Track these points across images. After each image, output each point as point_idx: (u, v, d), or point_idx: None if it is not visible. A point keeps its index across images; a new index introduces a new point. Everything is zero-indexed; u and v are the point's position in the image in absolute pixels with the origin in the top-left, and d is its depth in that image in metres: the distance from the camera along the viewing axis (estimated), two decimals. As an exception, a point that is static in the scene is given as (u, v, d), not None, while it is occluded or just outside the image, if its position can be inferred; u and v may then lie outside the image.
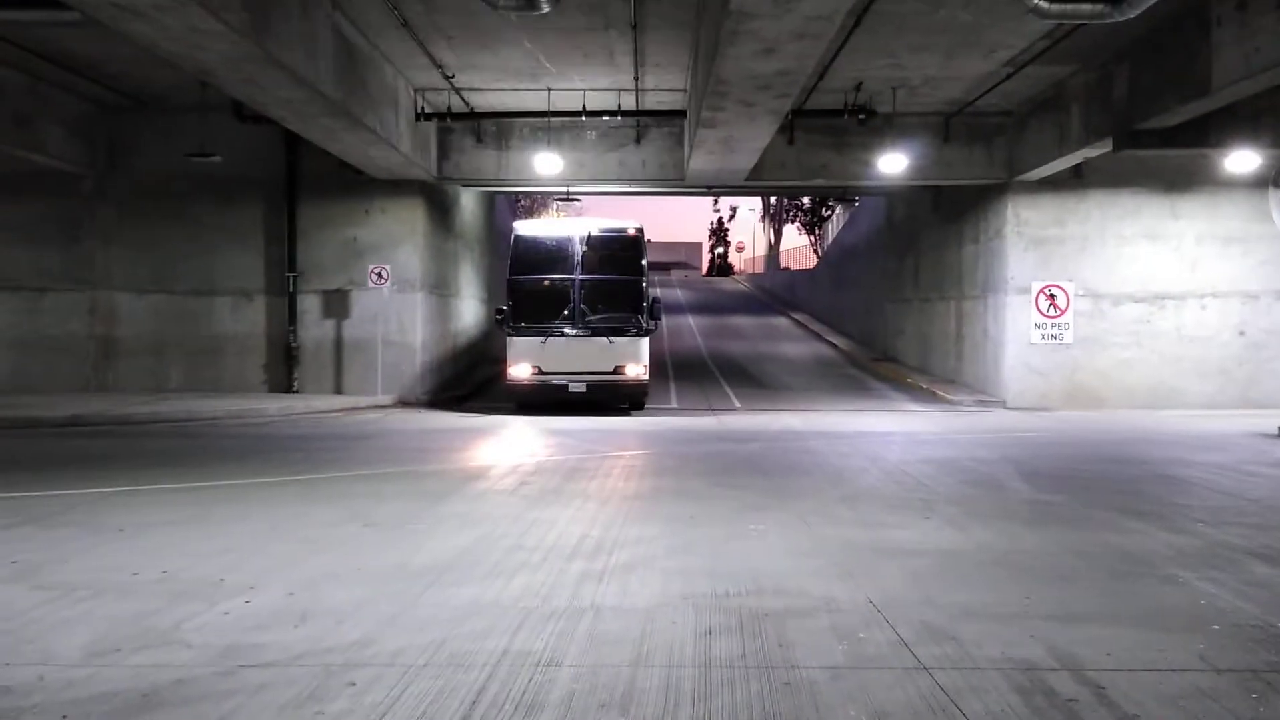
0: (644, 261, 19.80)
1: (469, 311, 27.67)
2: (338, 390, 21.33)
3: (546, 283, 19.50)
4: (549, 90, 19.13)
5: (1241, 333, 21.05)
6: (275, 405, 19.07)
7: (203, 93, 17.74)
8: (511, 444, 14.86)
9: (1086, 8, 11.48)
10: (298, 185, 21.26)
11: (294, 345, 21.24)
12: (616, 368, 18.94)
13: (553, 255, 19.64)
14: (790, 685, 5.00)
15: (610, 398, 19.41)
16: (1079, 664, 5.29)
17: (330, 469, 12.15)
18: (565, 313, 19.24)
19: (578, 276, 19.47)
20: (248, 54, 12.38)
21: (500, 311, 19.34)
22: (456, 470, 12.15)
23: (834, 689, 4.96)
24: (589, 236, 19.61)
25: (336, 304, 21.43)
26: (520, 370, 19.00)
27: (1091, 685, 5.00)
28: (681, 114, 19.87)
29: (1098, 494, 10.66)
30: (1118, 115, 16.38)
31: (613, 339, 19.00)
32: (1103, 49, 16.23)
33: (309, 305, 21.44)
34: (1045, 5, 11.33)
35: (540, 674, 5.14)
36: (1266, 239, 20.43)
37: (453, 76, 18.37)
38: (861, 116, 19.09)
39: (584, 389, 18.84)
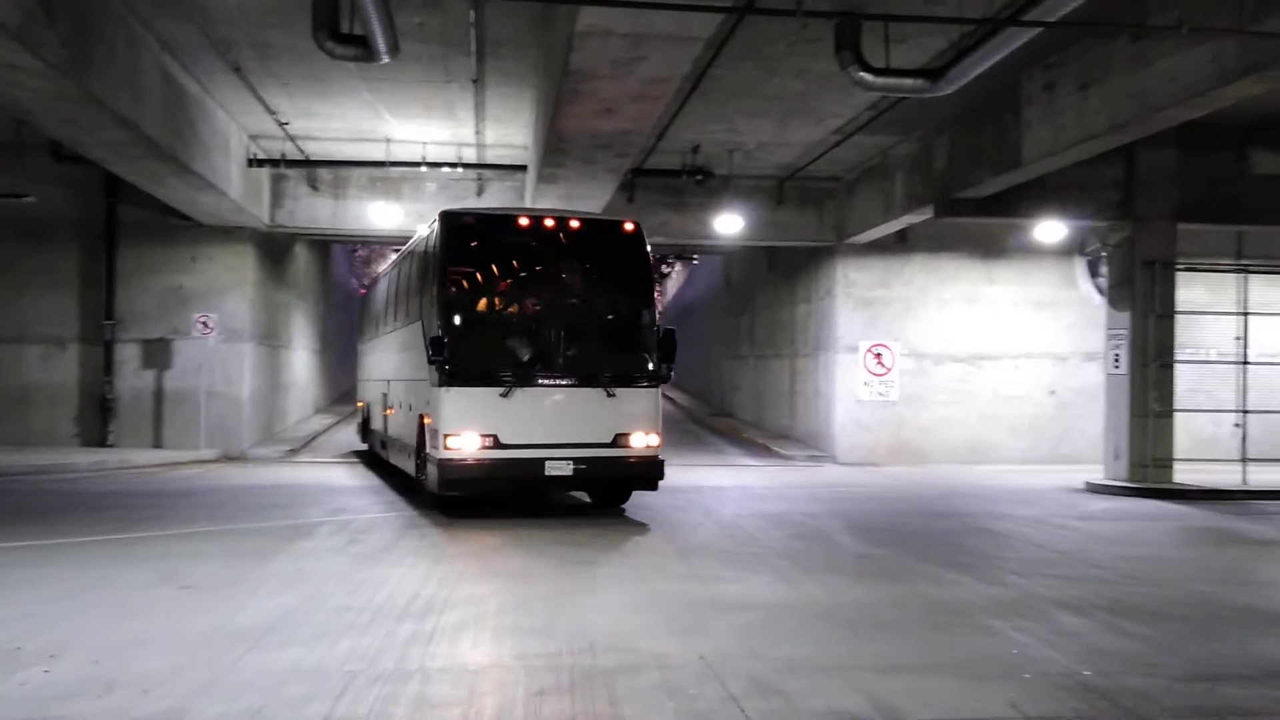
0: (651, 273, 13.89)
1: (301, 363, 26.90)
2: (157, 444, 20.32)
3: (503, 302, 13.02)
4: (388, 141, 18.93)
5: (1052, 392, 22.29)
6: (87, 460, 18.03)
7: (18, 131, 16.85)
8: (342, 495, 14.41)
9: (908, 82, 12.12)
10: (118, 229, 20.33)
11: (110, 397, 20.17)
12: (618, 436, 12.40)
13: (508, 258, 13.08)
14: (620, 745, 4.97)
15: (610, 481, 13.13)
16: (898, 714, 5.43)
17: (144, 528, 11.54)
18: (536, 350, 12.52)
19: (554, 293, 12.98)
20: (67, 93, 11.84)
21: (436, 346, 12.10)
22: (282, 528, 11.71)
23: (663, 747, 4.94)
24: (566, 230, 13.16)
25: (158, 354, 20.48)
26: (464, 441, 11.97)
27: (911, 735, 5.14)
28: (523, 168, 19.94)
29: (919, 547, 11.03)
30: (938, 184, 17.27)
31: (613, 390, 12.47)
32: (924, 121, 17.11)
33: (128, 355, 20.44)
34: (870, 78, 11.89)
35: (363, 741, 4.95)
36: (1073, 304, 21.75)
37: (288, 124, 17.99)
38: (699, 178, 19.57)
39: (569, 470, 12.21)
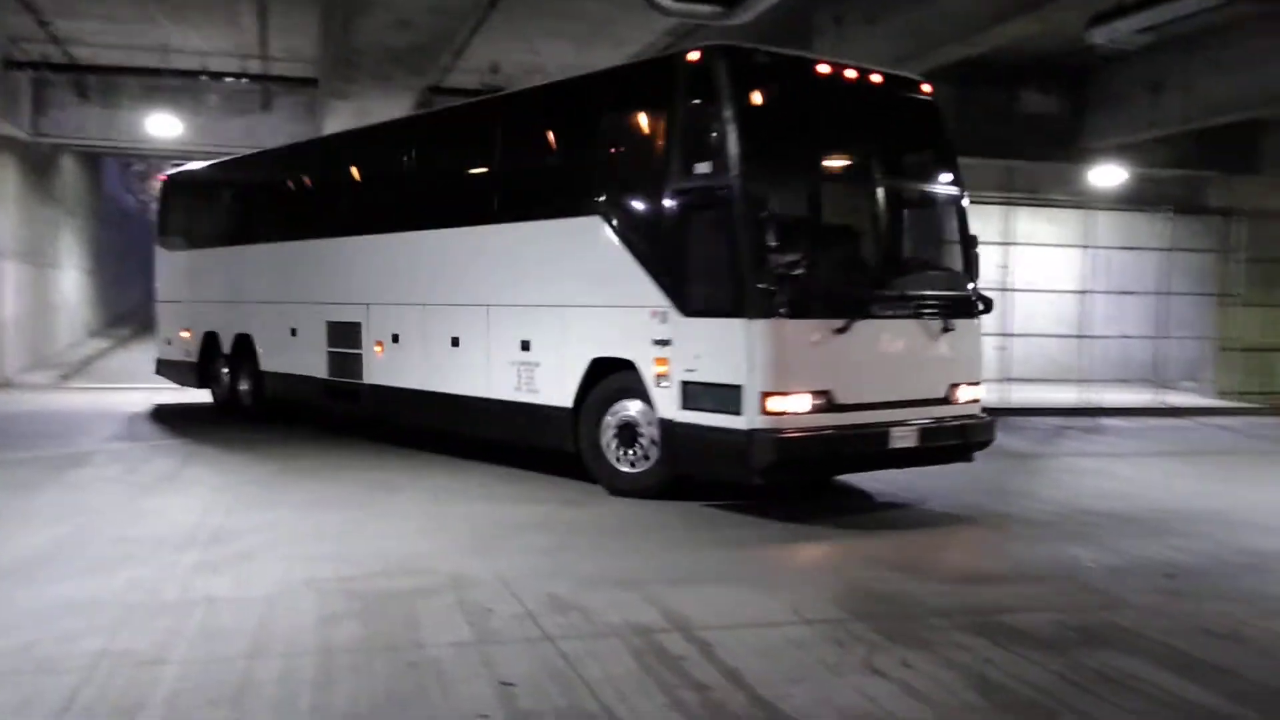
0: (956, 154, 9.89)
1: (72, 284, 25.19)
2: (-93, 371, 18.71)
3: (815, 190, 9.13)
4: (165, 48, 17.70)
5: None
6: None
7: None
8: (123, 422, 13.64)
9: (704, 8, 12.16)
10: None
11: None
12: (950, 388, 9.03)
13: (809, 123, 9.10)
14: (415, 665, 4.97)
15: (941, 453, 9.12)
16: (689, 624, 5.64)
17: (-106, 460, 10.66)
18: (864, 263, 9.15)
19: (868, 179, 9.22)
20: None
21: (756, 254, 7.99)
22: (55, 457, 11.02)
23: (459, 665, 4.98)
24: (869, 88, 9.25)
25: (-95, 272, 18.75)
26: (793, 403, 8.08)
27: (699, 643, 5.34)
28: (315, 82, 19.07)
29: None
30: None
31: (949, 323, 9.00)
32: (722, 49, 17.26)
33: None
34: (666, 2, 11.90)
35: (143, 673, 4.77)
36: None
37: (50, 23, 16.55)
38: (498, 98, 19.18)
39: (914, 439, 8.64)
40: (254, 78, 18.97)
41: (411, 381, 11.51)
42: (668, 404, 8.60)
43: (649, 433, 8.90)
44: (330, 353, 12.77)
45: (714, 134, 8.36)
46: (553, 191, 10.13)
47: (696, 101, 8.61)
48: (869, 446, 8.46)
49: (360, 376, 12.29)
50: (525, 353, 9.99)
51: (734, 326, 8.08)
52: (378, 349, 12.02)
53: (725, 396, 8.14)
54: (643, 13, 13.72)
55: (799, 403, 8.05)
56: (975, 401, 9.26)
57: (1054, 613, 6.01)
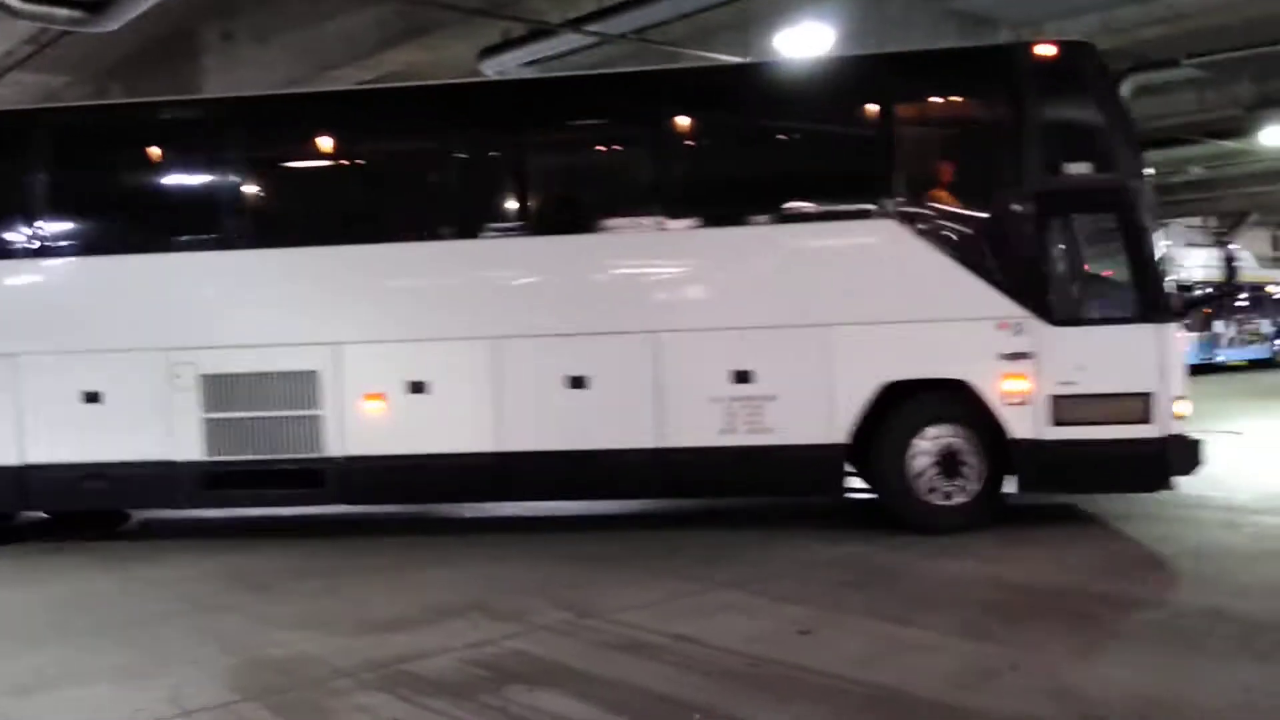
0: None
1: None
2: None
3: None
4: None
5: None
6: None
7: None
8: None
9: (63, 13, 10.77)
10: None
11: None
12: None
13: (1137, 131, 9.37)
14: None
15: None
16: (26, 745, 4.63)
17: None
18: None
19: None
20: None
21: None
22: None
23: None
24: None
25: None
26: (1187, 406, 8.38)
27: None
28: None
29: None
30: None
31: None
32: (96, 61, 15.49)
33: None
34: (15, 4, 10.37)
35: None
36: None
37: None
38: None
39: None
40: None
41: (463, 445, 8.76)
42: (1026, 422, 8.18)
43: (974, 460, 8.34)
44: (215, 420, 8.94)
45: (1090, 133, 8.36)
46: (808, 190, 8.87)
47: (1059, 97, 8.46)
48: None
49: (317, 449, 8.90)
50: (743, 385, 8.47)
51: (1140, 332, 8.14)
52: (369, 405, 8.84)
53: (1128, 406, 8.12)
54: (-6, 16, 11.90)
55: (1189, 406, 8.30)
56: None
57: (461, 650, 5.76)
